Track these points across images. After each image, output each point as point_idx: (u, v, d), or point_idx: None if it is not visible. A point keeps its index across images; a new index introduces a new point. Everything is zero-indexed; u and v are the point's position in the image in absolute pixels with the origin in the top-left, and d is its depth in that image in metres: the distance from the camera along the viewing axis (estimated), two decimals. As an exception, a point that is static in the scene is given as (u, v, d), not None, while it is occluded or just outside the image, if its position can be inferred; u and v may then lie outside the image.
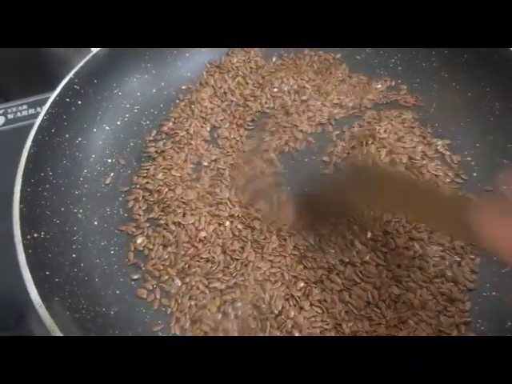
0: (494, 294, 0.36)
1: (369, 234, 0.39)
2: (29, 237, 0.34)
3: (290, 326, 0.35)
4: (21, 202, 0.35)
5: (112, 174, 0.45)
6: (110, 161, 0.46)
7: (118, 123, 0.48)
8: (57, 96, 0.42)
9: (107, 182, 0.45)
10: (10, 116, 0.59)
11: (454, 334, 0.34)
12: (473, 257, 0.38)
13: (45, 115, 0.40)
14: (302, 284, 0.37)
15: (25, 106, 0.60)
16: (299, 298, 0.37)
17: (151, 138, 0.48)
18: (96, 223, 0.42)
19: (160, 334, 0.36)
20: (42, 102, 0.58)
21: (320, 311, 0.36)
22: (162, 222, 0.42)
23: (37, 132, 0.39)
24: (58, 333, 0.30)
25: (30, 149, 0.38)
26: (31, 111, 0.59)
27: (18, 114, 0.59)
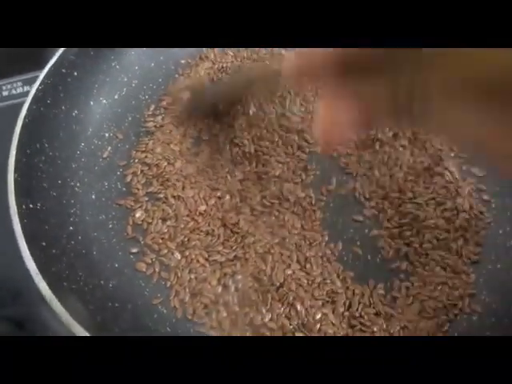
0: (498, 266, 0.36)
1: None
2: (24, 207, 0.33)
3: (291, 298, 0.35)
4: (15, 172, 0.34)
5: (110, 148, 0.44)
6: (107, 135, 0.45)
7: (116, 97, 0.47)
8: (52, 66, 0.40)
9: (105, 156, 0.44)
10: (5, 93, 0.57)
11: (459, 305, 0.34)
12: (478, 230, 0.38)
13: (40, 85, 0.39)
14: (303, 256, 0.37)
15: (20, 83, 0.58)
16: (301, 270, 0.36)
17: (150, 113, 0.47)
18: (94, 197, 0.41)
19: (159, 308, 0.36)
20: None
21: (321, 284, 0.36)
22: (161, 195, 0.41)
23: (31, 102, 0.38)
24: (57, 304, 0.29)
25: (24, 118, 0.37)
26: (26, 88, 0.58)
27: (13, 92, 0.57)
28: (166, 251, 0.38)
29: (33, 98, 0.38)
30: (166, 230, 0.39)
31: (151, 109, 0.47)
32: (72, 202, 0.39)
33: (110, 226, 0.40)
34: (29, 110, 0.38)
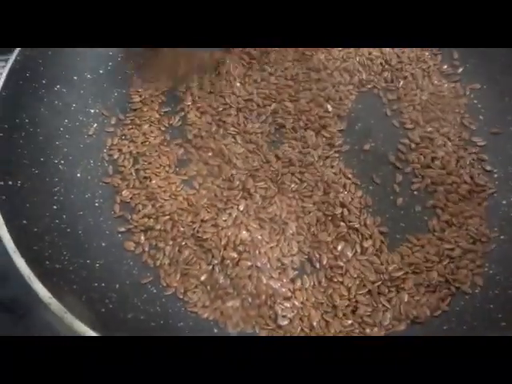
0: (502, 237, 0.34)
1: None
2: (2, 183, 0.32)
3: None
4: (-8, 147, 0.33)
5: (95, 124, 0.42)
6: (92, 111, 0.43)
7: (101, 71, 0.45)
8: (30, 37, 0.38)
9: (90, 133, 0.42)
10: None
11: (462, 279, 0.33)
12: (480, 201, 0.36)
13: (17, 56, 0.37)
14: (292, 230, 0.36)
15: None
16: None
17: (137, 89, 0.45)
18: (79, 175, 0.39)
19: (149, 287, 0.34)
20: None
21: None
22: (148, 174, 0.39)
23: (8, 75, 0.36)
24: (36, 282, 0.28)
25: (1, 91, 0.35)
26: (2, 63, 0.55)
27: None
28: (155, 230, 0.37)
29: (10, 71, 0.36)
30: (154, 209, 0.37)
31: (138, 84, 0.45)
32: (56, 179, 0.38)
33: (97, 204, 0.38)
34: (6, 82, 0.36)
